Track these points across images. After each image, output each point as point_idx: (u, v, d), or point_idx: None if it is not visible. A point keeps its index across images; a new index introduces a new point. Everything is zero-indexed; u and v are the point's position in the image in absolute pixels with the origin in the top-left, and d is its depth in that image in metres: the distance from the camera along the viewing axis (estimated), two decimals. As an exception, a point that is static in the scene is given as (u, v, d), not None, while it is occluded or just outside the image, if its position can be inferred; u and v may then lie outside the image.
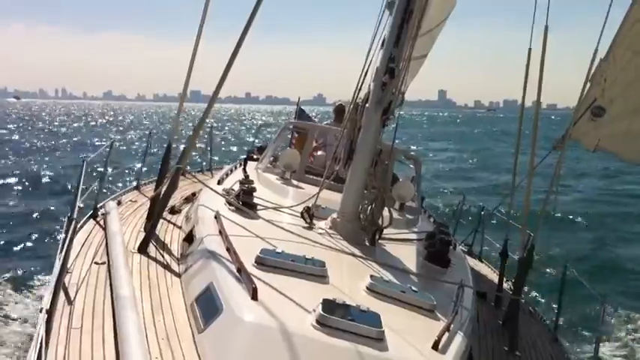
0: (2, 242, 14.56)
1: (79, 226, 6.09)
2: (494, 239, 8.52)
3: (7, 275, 11.74)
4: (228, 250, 4.13)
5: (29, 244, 14.45)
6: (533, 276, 6.26)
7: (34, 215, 17.44)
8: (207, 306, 3.54)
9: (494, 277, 7.98)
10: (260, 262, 3.93)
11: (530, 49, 5.80)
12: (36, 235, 15.19)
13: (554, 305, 8.81)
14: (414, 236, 5.91)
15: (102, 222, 6.26)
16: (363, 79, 5.74)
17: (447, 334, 3.53)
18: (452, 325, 3.67)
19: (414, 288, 4.09)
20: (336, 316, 3.23)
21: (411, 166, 8.53)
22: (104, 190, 7.51)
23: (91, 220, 6.51)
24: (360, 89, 5.76)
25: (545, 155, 6.31)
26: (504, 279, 7.20)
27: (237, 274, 3.71)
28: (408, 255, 5.25)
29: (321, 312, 3.22)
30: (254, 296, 3.36)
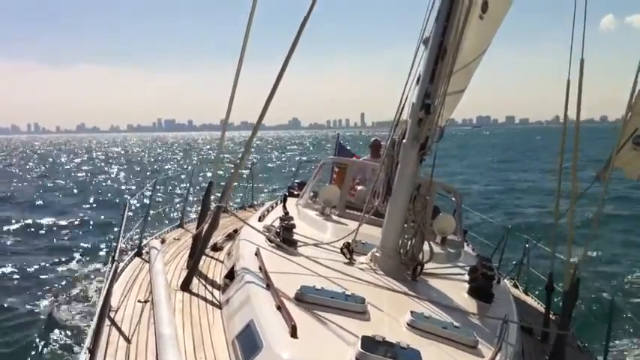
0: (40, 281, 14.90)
1: (124, 263, 6.26)
2: (541, 272, 8.36)
3: (51, 313, 12.04)
4: (268, 286, 4.18)
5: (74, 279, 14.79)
6: (581, 309, 6.09)
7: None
8: (248, 343, 3.57)
9: (540, 310, 7.80)
10: (300, 299, 3.95)
11: (568, 81, 5.75)
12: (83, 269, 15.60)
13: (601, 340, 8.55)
14: (456, 270, 5.84)
15: (146, 259, 6.42)
16: (400, 114, 5.79)
17: None
18: None
19: (455, 324, 4.04)
20: (376, 354, 3.21)
21: (453, 199, 8.49)
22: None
23: (137, 257, 6.67)
24: (396, 125, 5.81)
25: (587, 187, 6.19)
26: (551, 313, 7.03)
27: (277, 310, 3.75)
28: (449, 290, 5.19)
29: (360, 349, 3.21)
30: (293, 334, 3.39)
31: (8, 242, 18.73)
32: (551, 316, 7.00)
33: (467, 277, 5.37)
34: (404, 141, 5.43)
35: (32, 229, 21.20)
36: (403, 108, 5.78)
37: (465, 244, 8.23)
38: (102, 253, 17.07)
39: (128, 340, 4.26)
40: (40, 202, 28.66)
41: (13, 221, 21.91)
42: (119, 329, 4.44)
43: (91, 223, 22.51)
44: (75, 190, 35.39)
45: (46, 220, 22.76)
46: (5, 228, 20.85)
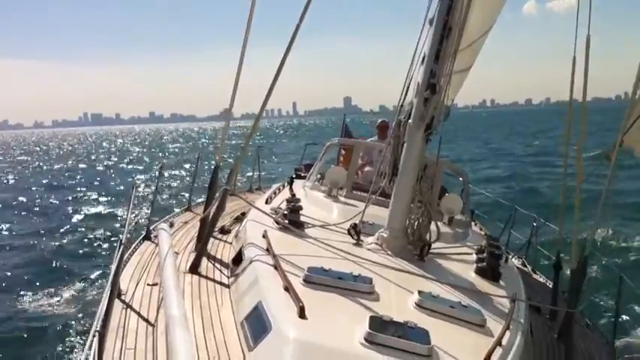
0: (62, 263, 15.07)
1: (133, 247, 6.31)
2: (549, 250, 8.36)
3: (64, 295, 12.20)
4: (276, 268, 4.21)
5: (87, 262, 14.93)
6: (590, 287, 6.09)
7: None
8: (257, 325, 3.60)
9: (548, 289, 7.81)
10: (308, 280, 3.98)
11: (574, 58, 5.71)
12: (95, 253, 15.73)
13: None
14: (463, 250, 5.85)
15: (155, 243, 6.46)
16: (405, 94, 5.77)
17: (498, 350, 3.49)
18: (503, 340, 3.63)
19: (463, 303, 4.06)
20: (384, 333, 3.23)
21: (461, 179, 8.48)
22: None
23: (145, 241, 6.72)
24: (402, 105, 5.79)
25: (594, 167, 6.15)
26: (560, 291, 7.04)
27: (285, 292, 3.78)
28: (457, 269, 5.20)
29: (369, 329, 3.24)
30: (302, 314, 3.41)
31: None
32: (559, 294, 7.02)
33: (474, 257, 5.38)
34: (410, 121, 5.42)
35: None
36: (408, 88, 5.76)
37: (473, 223, 8.23)
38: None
39: (138, 323, 4.30)
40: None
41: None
42: (128, 312, 4.49)
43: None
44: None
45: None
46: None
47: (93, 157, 64.86)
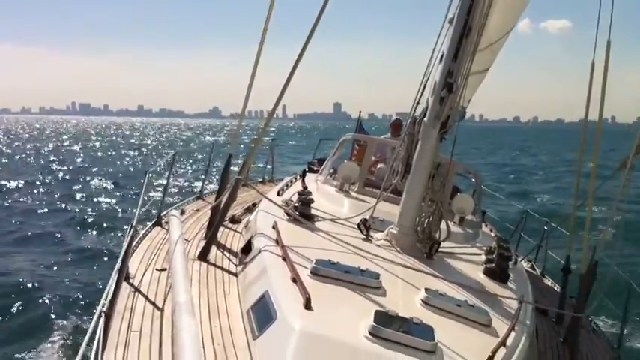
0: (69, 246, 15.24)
1: (143, 232, 6.37)
2: (558, 255, 8.32)
3: (72, 277, 12.31)
4: (284, 259, 4.24)
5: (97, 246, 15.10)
6: (599, 292, 6.07)
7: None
8: (262, 313, 3.64)
9: (557, 293, 7.79)
10: (315, 272, 4.00)
11: (593, 63, 5.69)
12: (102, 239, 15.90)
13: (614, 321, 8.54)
14: (472, 250, 5.85)
15: (166, 228, 6.52)
16: (422, 92, 5.76)
17: (502, 350, 3.50)
18: (508, 341, 3.64)
19: (470, 302, 4.06)
20: (389, 328, 3.25)
21: (473, 180, 8.47)
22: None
23: (157, 227, 6.78)
24: (417, 103, 5.79)
25: (609, 175, 6.14)
26: (567, 295, 7.03)
27: (292, 283, 3.81)
28: (465, 269, 5.21)
29: (374, 323, 3.26)
30: (307, 305, 3.44)
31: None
32: (567, 298, 7.00)
33: (483, 257, 5.39)
34: (425, 119, 5.42)
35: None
36: (425, 86, 5.75)
37: (483, 224, 8.22)
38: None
39: (144, 307, 4.35)
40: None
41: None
42: (136, 296, 4.54)
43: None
44: None
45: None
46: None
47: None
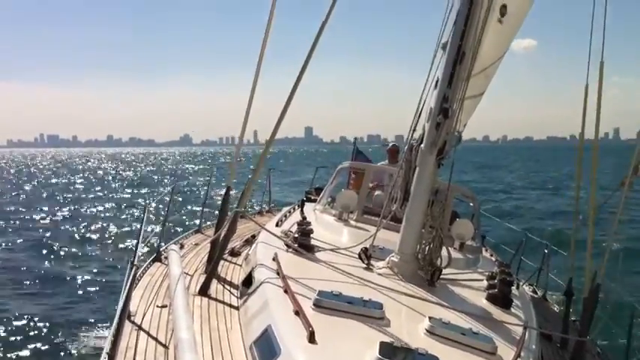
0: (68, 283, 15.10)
1: (143, 268, 6.30)
2: (560, 278, 8.27)
3: (73, 316, 12.16)
4: (286, 292, 4.18)
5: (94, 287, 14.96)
6: (602, 316, 6.01)
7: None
8: (266, 349, 3.57)
9: (559, 316, 7.72)
10: (318, 305, 3.95)
11: (587, 85, 5.72)
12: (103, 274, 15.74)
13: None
14: (474, 276, 5.81)
15: (165, 264, 6.45)
16: (417, 119, 5.77)
17: None
18: None
19: (474, 330, 4.01)
20: None
21: (471, 204, 8.44)
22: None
23: (156, 262, 6.71)
24: (414, 130, 5.79)
25: (610, 194, 6.12)
26: (570, 319, 6.96)
27: (295, 316, 3.75)
28: (468, 296, 5.16)
29: (379, 355, 3.20)
30: (311, 339, 3.38)
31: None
32: (570, 322, 6.93)
33: (485, 283, 5.34)
34: (422, 146, 5.41)
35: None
36: (421, 112, 5.76)
37: (484, 249, 8.18)
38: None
39: (147, 345, 4.28)
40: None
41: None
42: (138, 334, 4.47)
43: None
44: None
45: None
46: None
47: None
